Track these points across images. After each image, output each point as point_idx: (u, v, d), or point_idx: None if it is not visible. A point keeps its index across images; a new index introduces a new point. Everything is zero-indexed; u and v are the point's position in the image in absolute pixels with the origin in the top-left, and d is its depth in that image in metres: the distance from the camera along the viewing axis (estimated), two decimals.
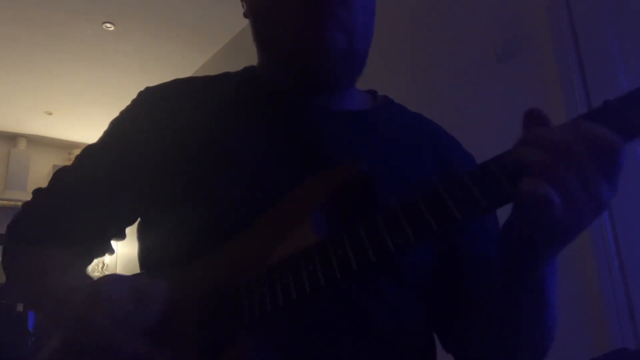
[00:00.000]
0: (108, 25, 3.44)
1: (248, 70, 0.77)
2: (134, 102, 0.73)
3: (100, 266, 5.11)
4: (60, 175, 0.72)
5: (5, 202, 4.88)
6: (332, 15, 0.64)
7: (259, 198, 0.62)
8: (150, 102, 0.71)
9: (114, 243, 0.74)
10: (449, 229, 0.46)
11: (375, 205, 0.58)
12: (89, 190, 0.68)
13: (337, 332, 0.59)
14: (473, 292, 0.67)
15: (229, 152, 0.65)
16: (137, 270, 0.70)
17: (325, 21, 0.64)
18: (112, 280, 0.53)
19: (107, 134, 0.72)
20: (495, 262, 0.58)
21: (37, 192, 0.73)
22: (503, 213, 0.51)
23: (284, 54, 0.67)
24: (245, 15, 0.74)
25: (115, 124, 0.73)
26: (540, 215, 0.44)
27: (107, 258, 5.09)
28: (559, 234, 0.47)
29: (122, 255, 5.06)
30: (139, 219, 0.72)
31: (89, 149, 0.73)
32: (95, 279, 0.59)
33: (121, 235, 0.73)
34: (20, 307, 2.81)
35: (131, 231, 0.74)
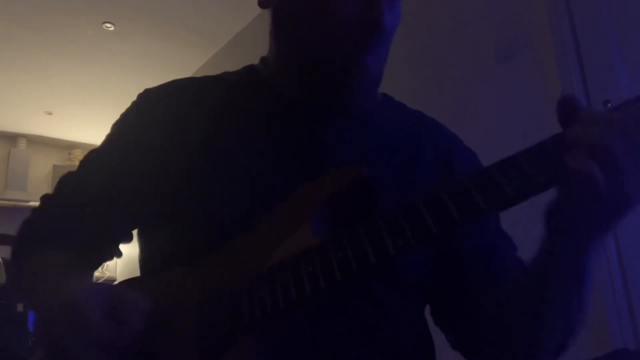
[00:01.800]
0: (108, 25, 3.44)
1: (248, 69, 0.76)
2: (134, 104, 0.73)
3: (100, 266, 5.11)
4: (65, 180, 0.73)
5: (5, 202, 4.87)
6: (379, 41, 0.63)
7: (259, 201, 0.61)
8: (149, 104, 0.71)
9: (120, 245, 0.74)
10: (449, 232, 0.46)
11: (375, 207, 0.58)
12: (94, 195, 0.68)
13: (336, 338, 0.59)
14: (479, 292, 0.66)
15: (229, 155, 0.65)
16: (137, 270, 0.71)
17: (373, 44, 0.63)
18: (88, 293, 0.51)
19: (109, 138, 0.73)
20: (517, 263, 0.59)
21: (45, 198, 0.73)
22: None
23: (316, 63, 0.65)
24: (264, 5, 0.70)
25: (116, 128, 0.73)
26: (586, 194, 0.44)
27: None
28: (606, 214, 0.46)
29: (122, 255, 5.05)
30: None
31: (92, 154, 0.73)
32: (90, 283, 0.58)
33: (129, 238, 0.73)
34: (20, 307, 2.81)
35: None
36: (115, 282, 0.71)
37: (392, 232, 0.48)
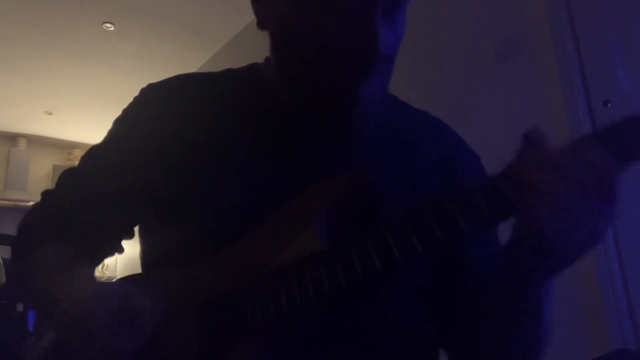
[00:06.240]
0: (108, 25, 3.44)
1: (252, 68, 0.75)
2: (137, 99, 0.72)
3: (100, 266, 5.11)
4: (66, 176, 0.72)
5: (5, 202, 4.87)
6: (378, 66, 0.60)
7: (253, 204, 0.61)
8: (152, 100, 0.71)
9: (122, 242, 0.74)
10: (454, 241, 0.47)
11: (379, 213, 0.58)
12: (95, 191, 0.68)
13: (337, 341, 0.59)
14: (472, 300, 0.66)
15: (227, 155, 0.65)
16: (137, 269, 0.70)
17: (372, 71, 0.60)
18: (100, 298, 0.52)
19: (111, 134, 0.72)
20: (495, 272, 0.59)
21: (46, 194, 0.73)
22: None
23: (314, 89, 0.62)
24: (262, 27, 0.67)
25: (118, 123, 0.73)
26: (535, 238, 0.45)
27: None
28: (557, 260, 0.48)
29: (122, 254, 5.05)
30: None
31: (94, 150, 0.73)
32: (89, 286, 0.58)
33: (130, 234, 0.72)
34: (20, 307, 2.81)
35: None
36: (116, 279, 0.71)
37: (399, 240, 0.48)
